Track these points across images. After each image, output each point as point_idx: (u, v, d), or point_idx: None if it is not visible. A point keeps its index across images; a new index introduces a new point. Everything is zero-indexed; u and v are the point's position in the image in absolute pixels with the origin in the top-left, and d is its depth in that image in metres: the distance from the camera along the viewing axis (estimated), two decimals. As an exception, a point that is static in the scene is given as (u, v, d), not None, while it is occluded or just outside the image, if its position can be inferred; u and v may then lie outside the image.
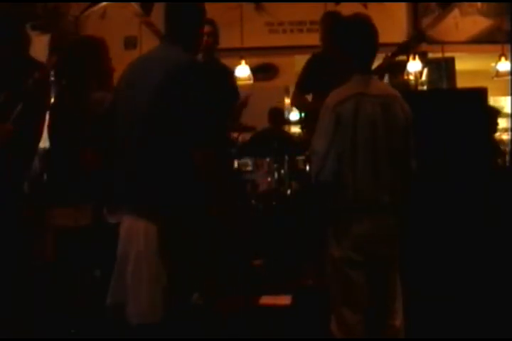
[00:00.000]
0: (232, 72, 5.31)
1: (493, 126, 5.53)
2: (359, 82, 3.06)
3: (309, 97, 4.78)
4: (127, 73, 2.82)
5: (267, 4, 7.84)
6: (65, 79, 3.35)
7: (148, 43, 7.71)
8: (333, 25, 4.53)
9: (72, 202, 3.05)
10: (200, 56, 3.88)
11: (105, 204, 3.00)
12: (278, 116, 6.86)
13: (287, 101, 8.20)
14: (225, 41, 7.52)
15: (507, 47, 7.31)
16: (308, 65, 4.78)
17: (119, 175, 2.73)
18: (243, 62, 7.65)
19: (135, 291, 2.60)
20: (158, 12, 7.98)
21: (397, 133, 3.03)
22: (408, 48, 5.15)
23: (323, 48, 4.71)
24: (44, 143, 3.43)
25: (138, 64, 2.82)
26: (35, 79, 3.23)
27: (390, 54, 4.65)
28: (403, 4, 8.19)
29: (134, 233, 2.63)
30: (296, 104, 4.98)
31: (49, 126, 3.30)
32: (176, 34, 2.78)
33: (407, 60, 7.52)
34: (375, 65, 4.49)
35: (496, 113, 5.85)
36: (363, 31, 3.08)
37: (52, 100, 3.44)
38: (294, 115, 8.64)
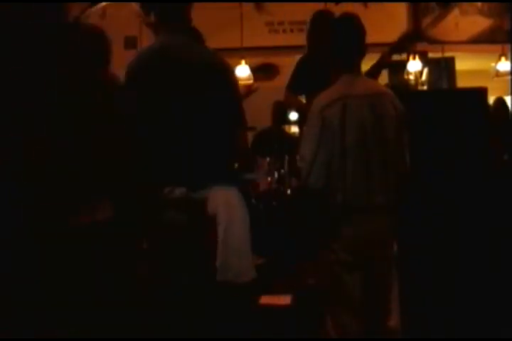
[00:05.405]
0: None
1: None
2: (346, 83, 3.04)
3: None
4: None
5: (266, 4, 7.84)
6: None
7: (148, 43, 7.71)
8: (321, 24, 4.52)
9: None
10: None
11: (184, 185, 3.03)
12: (281, 110, 6.85)
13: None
14: (225, 41, 7.57)
15: (507, 47, 7.32)
16: (299, 65, 4.78)
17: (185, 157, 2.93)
18: (243, 62, 7.65)
19: (241, 252, 2.89)
20: (158, 12, 8.00)
21: (389, 132, 3.02)
22: (403, 47, 5.13)
23: (309, 48, 4.72)
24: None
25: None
26: None
27: (385, 52, 4.65)
28: (403, 4, 8.19)
29: (234, 201, 2.91)
30: (290, 105, 4.99)
31: None
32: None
33: (407, 60, 7.53)
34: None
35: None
36: (350, 30, 3.07)
37: None
38: (294, 115, 8.64)
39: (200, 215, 2.94)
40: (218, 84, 2.98)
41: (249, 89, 4.80)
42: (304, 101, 4.75)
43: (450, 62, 8.58)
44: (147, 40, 7.56)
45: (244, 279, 2.89)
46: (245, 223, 2.96)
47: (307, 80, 4.48)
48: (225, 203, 2.91)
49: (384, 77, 6.51)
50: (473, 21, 8.12)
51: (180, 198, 2.93)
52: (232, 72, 3.20)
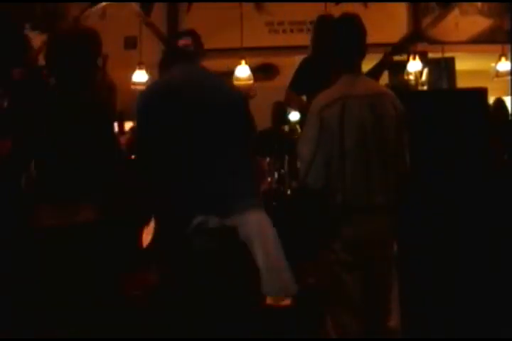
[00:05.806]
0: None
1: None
2: (346, 83, 3.04)
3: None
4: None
5: (266, 4, 7.84)
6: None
7: (148, 43, 7.72)
8: (323, 27, 4.57)
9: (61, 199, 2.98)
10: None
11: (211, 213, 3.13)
12: (281, 111, 6.84)
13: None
14: (225, 41, 7.57)
15: (507, 47, 7.30)
16: (302, 65, 4.80)
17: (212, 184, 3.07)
18: (243, 62, 7.64)
19: (282, 271, 3.09)
20: (158, 12, 8.00)
21: (389, 132, 3.01)
22: (404, 48, 5.15)
23: (313, 50, 4.75)
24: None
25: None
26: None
27: (387, 52, 4.67)
28: (403, 4, 8.20)
29: (264, 223, 3.08)
30: (291, 103, 5.00)
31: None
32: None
33: (407, 60, 7.53)
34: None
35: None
36: (350, 31, 3.07)
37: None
38: (294, 115, 8.63)
39: (232, 242, 3.06)
40: (235, 117, 3.26)
41: (248, 94, 4.80)
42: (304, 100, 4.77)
43: (450, 62, 8.58)
44: (147, 40, 7.58)
45: (290, 294, 3.16)
46: (278, 244, 3.10)
47: (309, 81, 4.49)
48: (258, 231, 3.04)
49: (384, 77, 6.49)
50: (473, 21, 8.12)
51: (214, 228, 3.05)
52: (246, 100, 3.47)
